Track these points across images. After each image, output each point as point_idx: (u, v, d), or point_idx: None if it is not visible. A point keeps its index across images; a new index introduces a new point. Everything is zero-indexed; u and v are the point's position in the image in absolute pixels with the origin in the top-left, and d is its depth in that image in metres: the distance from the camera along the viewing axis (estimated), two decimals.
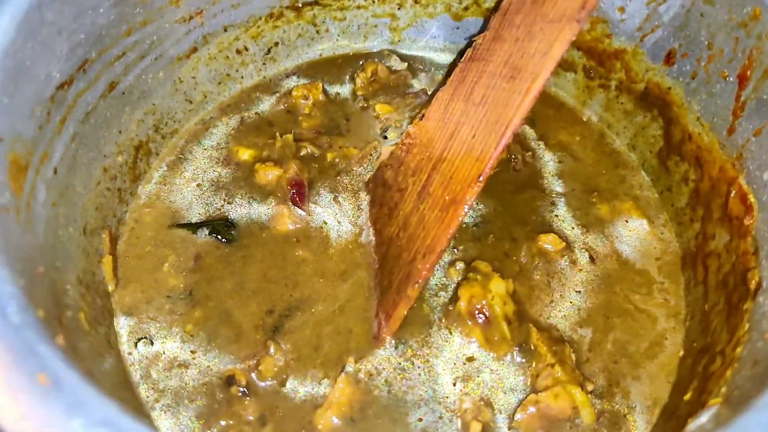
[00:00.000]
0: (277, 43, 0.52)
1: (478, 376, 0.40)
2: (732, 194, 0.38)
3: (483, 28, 0.47)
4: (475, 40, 0.44)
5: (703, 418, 0.29)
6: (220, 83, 0.50)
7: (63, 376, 0.24)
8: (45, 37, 0.34)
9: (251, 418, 0.37)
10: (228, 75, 0.51)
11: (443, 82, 0.48)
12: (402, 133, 0.50)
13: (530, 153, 0.49)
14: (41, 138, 0.33)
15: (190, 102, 0.49)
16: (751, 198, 0.37)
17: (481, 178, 0.39)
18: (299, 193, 0.47)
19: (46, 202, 0.32)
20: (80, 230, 0.38)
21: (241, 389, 0.38)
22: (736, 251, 0.37)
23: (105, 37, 0.39)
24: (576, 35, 0.37)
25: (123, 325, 0.41)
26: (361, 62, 0.55)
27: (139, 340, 0.41)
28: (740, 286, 0.35)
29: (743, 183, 0.37)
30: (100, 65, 0.39)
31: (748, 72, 0.37)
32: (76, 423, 0.23)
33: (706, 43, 0.40)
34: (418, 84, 0.54)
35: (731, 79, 0.39)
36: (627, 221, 0.46)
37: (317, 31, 0.53)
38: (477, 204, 0.46)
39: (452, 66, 0.48)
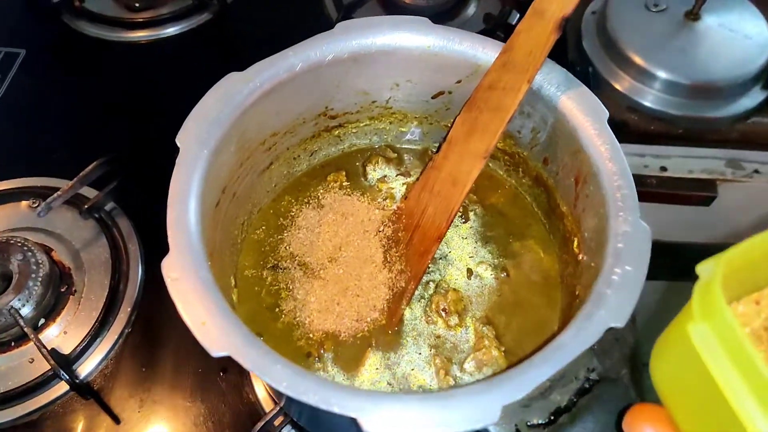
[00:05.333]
0: (316, 150, 0.77)
1: (443, 345, 0.63)
2: (575, 241, 0.68)
3: (440, 138, 0.72)
4: (434, 156, 0.69)
5: None
6: (284, 176, 0.76)
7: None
8: (212, 184, 0.60)
9: None
10: (288, 172, 0.76)
11: (418, 178, 0.72)
12: (395, 202, 0.75)
13: (473, 211, 0.75)
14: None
15: (268, 191, 0.74)
16: (581, 244, 0.66)
17: (439, 239, 0.65)
18: None
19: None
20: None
21: None
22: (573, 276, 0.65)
23: (232, 174, 0.64)
24: (485, 165, 0.62)
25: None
26: (368, 154, 0.79)
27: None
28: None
29: (579, 236, 0.64)
30: (229, 187, 0.64)
31: (579, 178, 0.62)
32: None
33: (560, 158, 0.65)
34: (403, 168, 0.79)
35: (571, 180, 0.63)
36: (530, 252, 0.71)
37: (340, 139, 0.78)
38: (442, 247, 0.71)
39: (424, 167, 0.72)
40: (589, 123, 0.62)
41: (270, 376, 0.48)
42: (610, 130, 0.61)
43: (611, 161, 0.59)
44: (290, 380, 0.48)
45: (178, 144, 0.59)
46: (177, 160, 0.58)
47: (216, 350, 0.49)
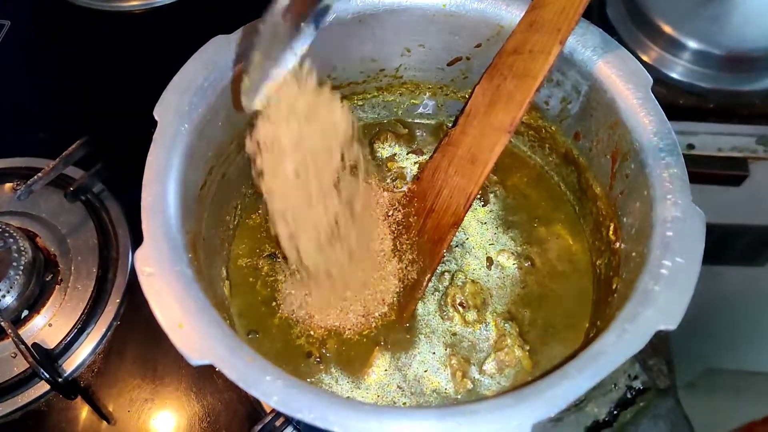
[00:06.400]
0: None
1: (460, 344, 0.59)
2: (611, 227, 0.60)
3: (456, 110, 0.67)
4: (450, 131, 0.63)
5: None
6: None
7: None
8: (197, 163, 0.54)
9: None
10: None
11: (432, 156, 0.66)
12: (406, 182, 0.69)
13: (493, 193, 0.68)
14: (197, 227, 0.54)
15: None
16: (619, 231, 0.59)
17: (456, 225, 0.58)
18: None
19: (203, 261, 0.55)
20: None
21: None
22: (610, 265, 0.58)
23: (221, 152, 0.58)
24: (509, 140, 0.55)
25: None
26: (376, 129, 0.73)
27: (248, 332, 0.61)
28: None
29: (616, 221, 0.57)
30: (218, 167, 0.58)
31: (617, 156, 0.56)
32: None
33: (595, 132, 0.59)
34: (415, 145, 0.73)
35: (607, 157, 0.57)
36: (557, 238, 0.65)
37: None
38: (458, 234, 0.65)
39: (439, 143, 0.66)
40: (630, 92, 0.54)
41: (258, 389, 0.41)
42: (656, 100, 0.53)
43: (657, 136, 0.52)
44: (282, 394, 0.41)
45: (156, 117, 0.51)
46: (154, 136, 0.51)
47: (195, 358, 0.42)
